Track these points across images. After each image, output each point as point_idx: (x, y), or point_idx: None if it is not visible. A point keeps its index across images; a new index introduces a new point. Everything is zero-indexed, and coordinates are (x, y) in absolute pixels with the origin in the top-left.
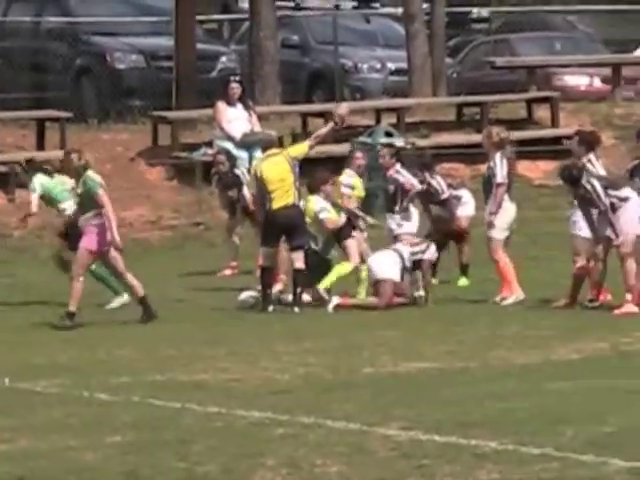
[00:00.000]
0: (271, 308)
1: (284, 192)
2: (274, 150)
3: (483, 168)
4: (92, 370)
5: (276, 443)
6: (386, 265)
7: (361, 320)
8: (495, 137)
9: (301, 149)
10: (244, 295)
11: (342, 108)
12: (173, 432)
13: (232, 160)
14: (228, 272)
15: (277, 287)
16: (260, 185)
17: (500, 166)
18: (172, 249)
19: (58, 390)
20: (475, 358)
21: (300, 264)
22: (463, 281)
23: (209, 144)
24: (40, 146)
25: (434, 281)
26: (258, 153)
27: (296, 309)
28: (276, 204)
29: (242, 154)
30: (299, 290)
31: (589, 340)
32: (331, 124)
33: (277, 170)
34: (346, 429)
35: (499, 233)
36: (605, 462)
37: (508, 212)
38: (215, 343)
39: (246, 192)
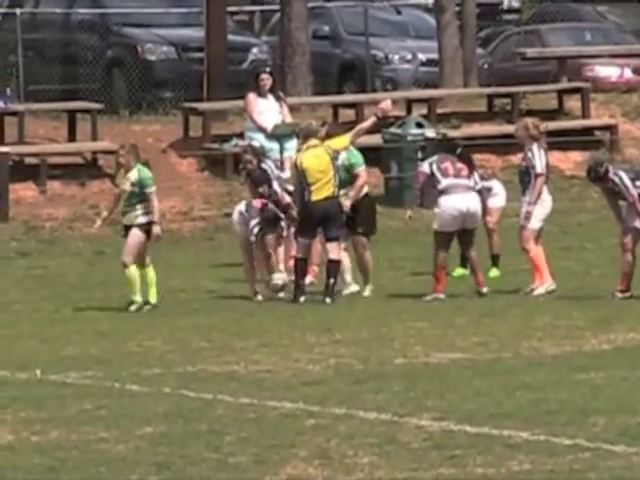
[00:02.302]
0: (303, 299)
1: (323, 184)
2: (314, 141)
3: (514, 159)
4: (123, 362)
5: (308, 434)
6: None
7: (392, 311)
8: (532, 129)
9: (342, 142)
10: (275, 278)
11: (386, 103)
12: (205, 423)
13: (259, 155)
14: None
15: (309, 278)
16: (299, 176)
17: (539, 157)
18: (203, 240)
19: (89, 382)
20: (507, 349)
21: (334, 255)
22: (494, 272)
23: (240, 135)
24: (71, 138)
25: (465, 272)
26: (289, 144)
27: (327, 300)
28: (315, 196)
29: (273, 145)
30: (332, 281)
31: (620, 331)
32: (373, 118)
33: (318, 162)
34: (377, 420)
35: (534, 223)
36: (637, 452)
37: (546, 204)
38: (246, 334)
39: (277, 187)
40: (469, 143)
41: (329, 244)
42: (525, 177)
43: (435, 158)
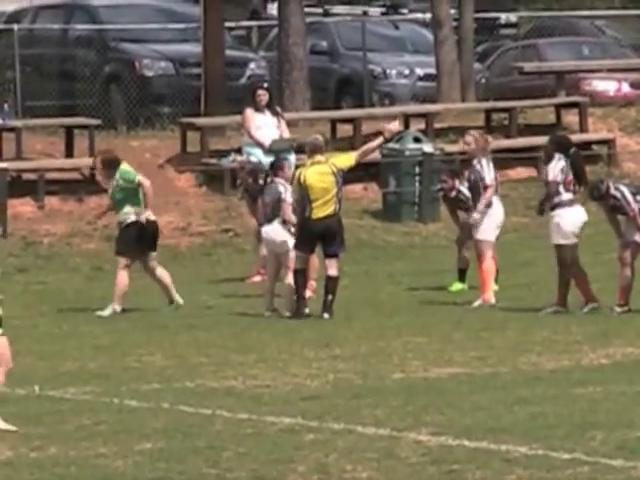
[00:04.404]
0: (307, 310)
1: (325, 202)
2: (320, 157)
3: (512, 173)
4: (122, 377)
5: (306, 449)
6: None
7: (390, 326)
8: (482, 142)
9: (348, 161)
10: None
11: (394, 125)
12: (203, 439)
13: (256, 171)
14: (257, 278)
15: (307, 293)
16: (302, 191)
17: (487, 170)
18: (201, 255)
19: (88, 397)
20: (505, 363)
21: (333, 271)
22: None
23: (238, 151)
24: (69, 153)
25: (463, 286)
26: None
27: (326, 315)
28: (316, 214)
29: (271, 161)
30: (330, 297)
31: (619, 345)
32: (381, 139)
33: (322, 180)
34: (376, 435)
35: (489, 235)
36: (635, 467)
37: (497, 213)
38: (245, 349)
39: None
40: (467, 158)
41: (328, 260)
42: (474, 190)
43: (563, 166)
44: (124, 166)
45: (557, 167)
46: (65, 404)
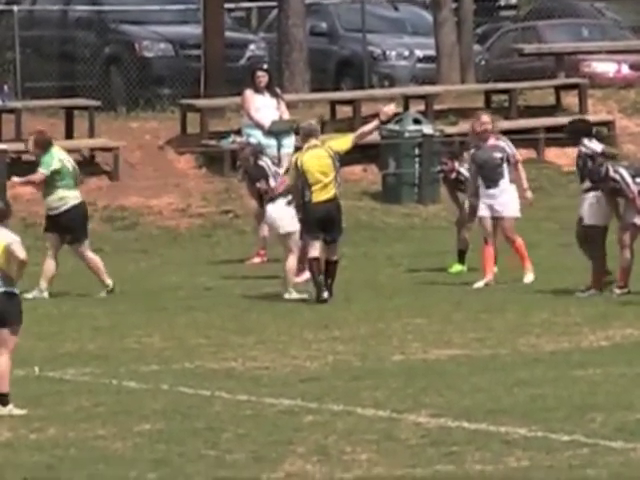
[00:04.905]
0: (326, 295)
1: (324, 186)
2: (315, 141)
3: None
4: (121, 358)
5: (305, 431)
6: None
7: (390, 307)
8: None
9: (344, 144)
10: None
11: (389, 108)
12: (203, 420)
13: (256, 152)
14: (257, 260)
15: (304, 277)
16: (300, 177)
17: (511, 144)
18: (201, 237)
19: (87, 379)
20: (504, 345)
21: (333, 255)
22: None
23: (238, 132)
24: (69, 135)
25: (463, 268)
26: (287, 141)
27: (325, 295)
28: (316, 198)
29: (271, 142)
30: (329, 280)
31: (618, 327)
32: (377, 122)
33: (319, 164)
34: (375, 416)
35: (518, 210)
36: (634, 448)
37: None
38: (244, 331)
39: (274, 183)
40: (466, 139)
41: (328, 246)
42: (498, 168)
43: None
44: (50, 155)
45: (595, 144)
46: (64, 385)
